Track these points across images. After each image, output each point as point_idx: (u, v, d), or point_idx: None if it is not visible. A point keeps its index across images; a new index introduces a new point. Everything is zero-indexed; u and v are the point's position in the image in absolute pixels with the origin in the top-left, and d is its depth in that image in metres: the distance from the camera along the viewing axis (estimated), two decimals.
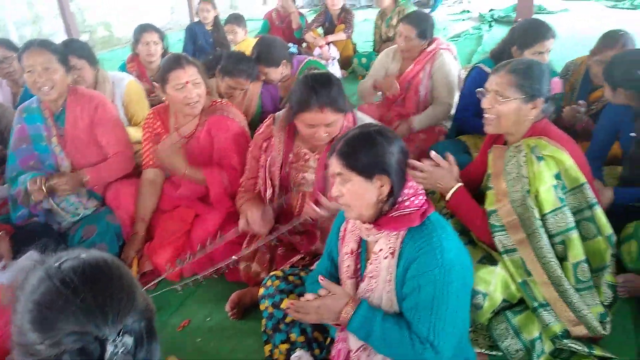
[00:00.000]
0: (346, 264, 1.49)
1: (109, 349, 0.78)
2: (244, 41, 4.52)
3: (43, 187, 2.25)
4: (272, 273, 1.79)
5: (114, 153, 2.48)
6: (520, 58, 2.08)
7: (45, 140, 2.42)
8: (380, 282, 1.36)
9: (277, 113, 2.14)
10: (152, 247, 2.34)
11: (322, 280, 1.44)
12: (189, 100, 2.26)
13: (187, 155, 2.39)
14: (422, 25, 3.00)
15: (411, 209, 1.32)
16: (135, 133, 3.01)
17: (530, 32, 2.51)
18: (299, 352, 1.61)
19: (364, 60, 5.01)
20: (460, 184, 1.80)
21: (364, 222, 1.37)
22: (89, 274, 0.82)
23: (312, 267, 1.85)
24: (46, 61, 2.24)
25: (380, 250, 1.36)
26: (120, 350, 0.78)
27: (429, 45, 3.06)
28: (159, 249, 2.29)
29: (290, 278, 1.76)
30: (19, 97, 3.25)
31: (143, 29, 3.43)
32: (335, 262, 1.58)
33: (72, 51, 2.68)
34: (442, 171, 1.78)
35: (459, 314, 1.28)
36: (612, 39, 2.62)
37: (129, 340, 0.80)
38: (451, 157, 1.83)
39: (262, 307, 1.73)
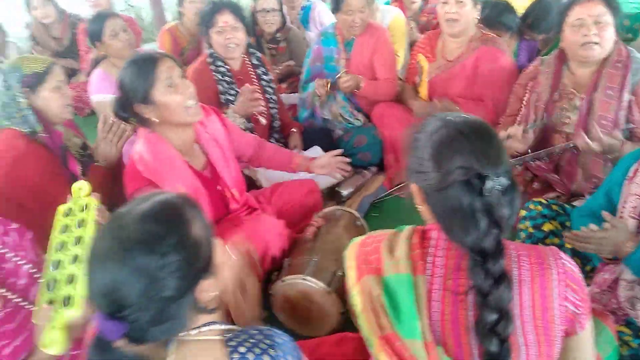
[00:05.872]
0: (632, 204, 1.52)
1: (488, 184, 0.94)
2: None
3: (327, 86, 2.71)
4: (534, 199, 1.95)
5: (384, 79, 2.85)
6: None
7: (335, 61, 2.89)
8: None
9: (544, 57, 2.22)
10: None
11: (605, 215, 1.50)
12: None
13: (449, 80, 2.59)
14: None
15: None
16: None
17: None
18: None
19: None
20: None
21: None
22: (476, 128, 1.01)
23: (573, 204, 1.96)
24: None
25: None
26: (497, 187, 0.95)
27: None
28: None
29: (554, 207, 1.91)
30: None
31: None
32: (613, 202, 1.61)
33: None
34: None
35: None
36: None
37: (504, 180, 0.98)
38: None
39: (522, 226, 1.90)
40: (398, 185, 2.66)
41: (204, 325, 0.94)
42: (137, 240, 0.86)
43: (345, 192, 2.57)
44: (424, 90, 2.56)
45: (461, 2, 2.42)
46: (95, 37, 2.78)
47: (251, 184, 2.39)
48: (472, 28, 2.55)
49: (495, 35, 2.61)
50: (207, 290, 0.94)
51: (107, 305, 0.85)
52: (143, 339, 0.87)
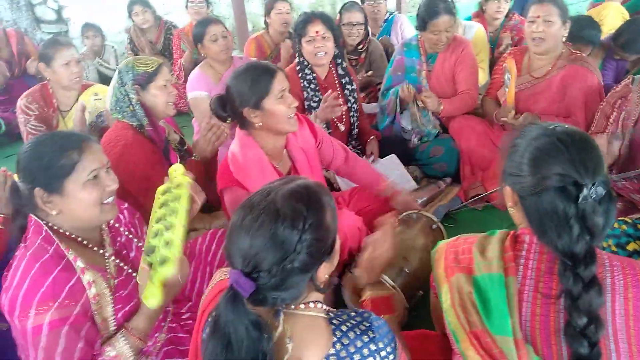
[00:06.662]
0: None
1: (584, 192, 0.98)
2: (607, 6, 3.91)
3: (410, 90, 2.76)
4: (620, 219, 1.91)
5: (463, 91, 2.87)
6: None
7: (416, 72, 2.95)
8: None
9: (636, 76, 2.17)
10: None
11: None
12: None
13: (534, 96, 2.58)
14: None
15: None
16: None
17: None
18: None
19: None
20: None
21: None
22: (577, 138, 1.04)
23: None
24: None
25: None
26: (593, 196, 0.98)
27: None
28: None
29: (639, 226, 1.86)
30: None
31: None
32: None
33: None
34: None
35: None
36: None
37: (601, 190, 0.98)
38: None
39: (604, 244, 1.88)
40: (473, 197, 2.67)
41: (311, 302, 1.04)
42: (284, 214, 0.97)
43: (419, 200, 2.61)
44: (511, 96, 2.54)
45: (549, 21, 2.41)
46: (198, 39, 3.03)
47: (329, 186, 2.49)
48: (559, 46, 2.53)
49: (583, 55, 2.58)
50: (324, 271, 1.04)
51: (245, 265, 0.97)
52: (263, 301, 0.98)
